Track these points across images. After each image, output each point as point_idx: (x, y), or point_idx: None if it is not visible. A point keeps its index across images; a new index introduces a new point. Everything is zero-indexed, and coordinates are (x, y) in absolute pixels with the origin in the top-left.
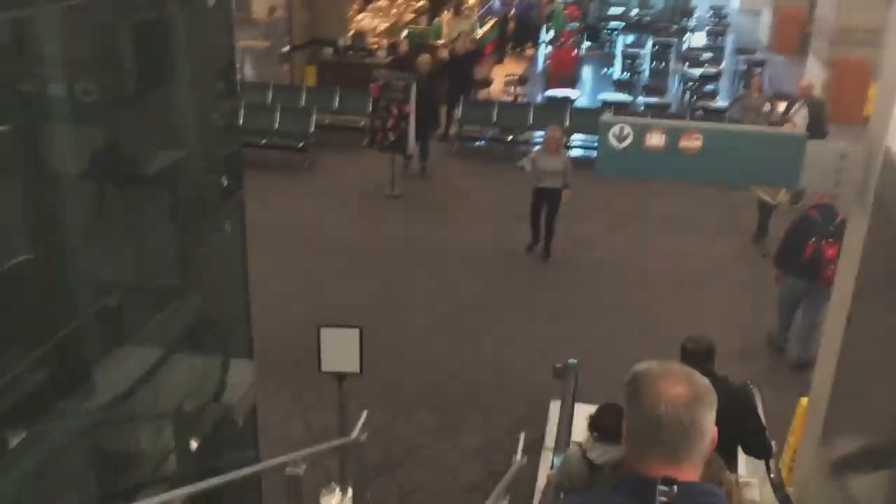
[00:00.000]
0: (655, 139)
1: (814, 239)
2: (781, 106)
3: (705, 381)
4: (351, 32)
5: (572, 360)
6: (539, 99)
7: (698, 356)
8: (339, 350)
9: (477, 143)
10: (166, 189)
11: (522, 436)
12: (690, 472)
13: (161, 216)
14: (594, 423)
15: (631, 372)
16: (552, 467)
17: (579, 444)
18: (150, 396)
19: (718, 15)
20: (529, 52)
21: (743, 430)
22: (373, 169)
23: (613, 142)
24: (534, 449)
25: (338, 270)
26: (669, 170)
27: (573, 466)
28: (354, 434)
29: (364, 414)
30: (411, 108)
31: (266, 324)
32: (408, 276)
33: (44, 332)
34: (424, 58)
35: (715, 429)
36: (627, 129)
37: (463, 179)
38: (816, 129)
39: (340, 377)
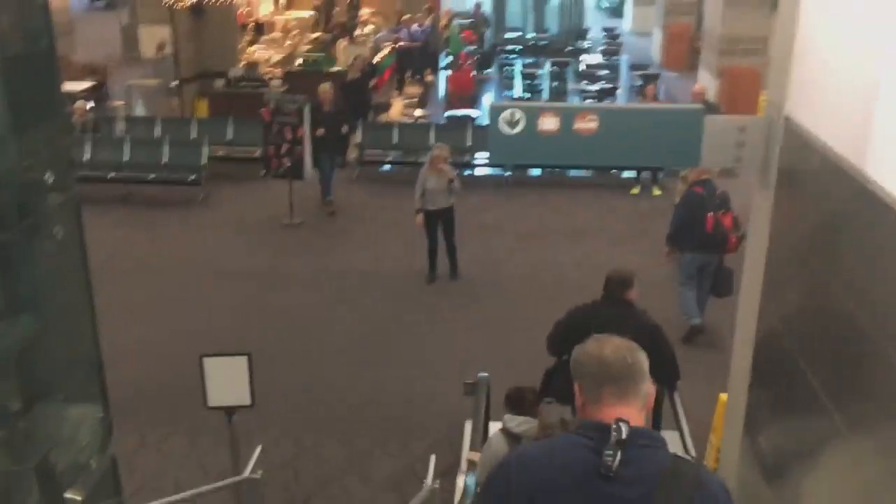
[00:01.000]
0: (549, 123)
1: (709, 213)
2: None
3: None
4: (243, 63)
5: (483, 375)
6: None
7: (616, 283)
8: (227, 381)
9: (381, 168)
10: None
11: (433, 459)
12: (637, 417)
13: None
14: (509, 399)
15: (575, 349)
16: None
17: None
18: None
19: (612, 36)
20: (429, 77)
21: (657, 358)
22: (271, 199)
23: (505, 128)
24: (450, 473)
25: (236, 303)
26: (566, 154)
27: (494, 447)
28: (246, 472)
29: (258, 449)
30: (305, 131)
31: (157, 362)
32: (312, 303)
33: None
34: (325, 86)
35: (653, 389)
36: (519, 114)
37: (366, 204)
38: None
39: (230, 411)
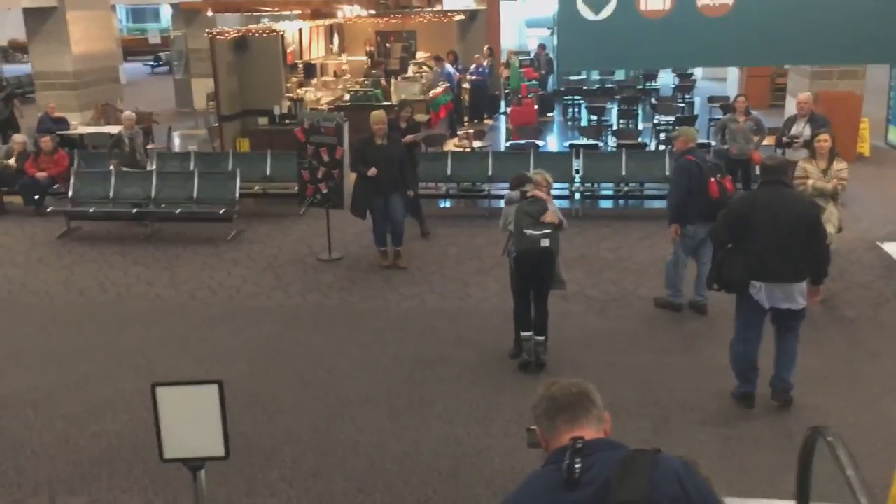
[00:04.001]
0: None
1: (710, 178)
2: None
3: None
4: (289, 103)
5: None
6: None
7: (773, 168)
8: (191, 422)
9: (440, 203)
10: None
11: None
12: (595, 436)
13: None
14: (513, 182)
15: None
16: None
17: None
18: None
19: (684, 75)
20: (488, 121)
21: (812, 238)
22: (310, 235)
23: (586, 12)
24: None
25: (255, 345)
26: (681, 49)
27: (512, 196)
28: None
29: None
30: (343, 152)
31: (148, 415)
32: (342, 345)
33: None
34: (379, 114)
35: (608, 415)
36: None
37: (414, 239)
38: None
39: (195, 466)
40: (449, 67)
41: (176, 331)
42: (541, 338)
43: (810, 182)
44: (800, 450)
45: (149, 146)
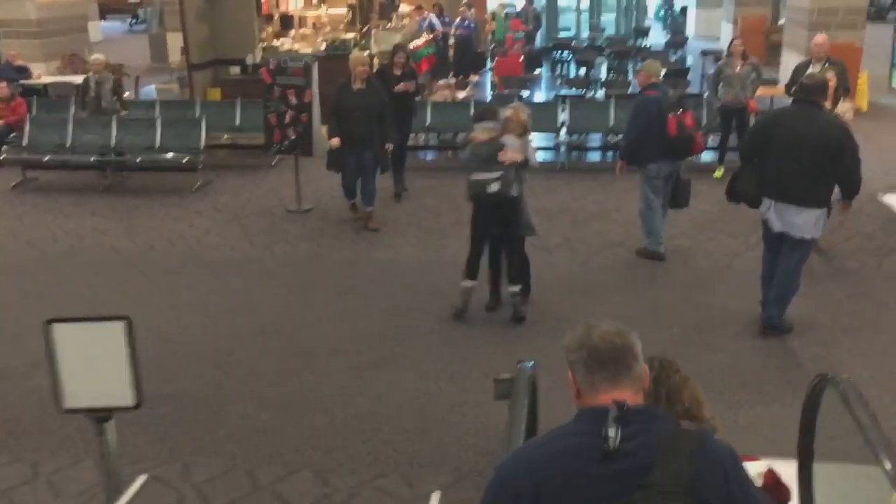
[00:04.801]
0: None
1: (670, 115)
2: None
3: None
4: (262, 52)
5: (525, 363)
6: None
7: (809, 87)
8: (95, 367)
9: (420, 155)
10: None
11: (437, 497)
12: (634, 399)
13: None
14: (476, 116)
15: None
16: None
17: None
18: None
19: (676, 31)
20: (474, 77)
21: (839, 156)
22: (280, 187)
23: None
24: None
25: (213, 298)
26: None
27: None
28: None
29: (139, 481)
30: (314, 94)
31: None
32: (308, 295)
33: None
34: (358, 55)
35: (647, 370)
36: None
37: (387, 190)
38: (841, 91)
39: (101, 418)
40: (432, 17)
41: (130, 282)
42: (515, 288)
43: None
44: (804, 400)
45: (125, 94)
